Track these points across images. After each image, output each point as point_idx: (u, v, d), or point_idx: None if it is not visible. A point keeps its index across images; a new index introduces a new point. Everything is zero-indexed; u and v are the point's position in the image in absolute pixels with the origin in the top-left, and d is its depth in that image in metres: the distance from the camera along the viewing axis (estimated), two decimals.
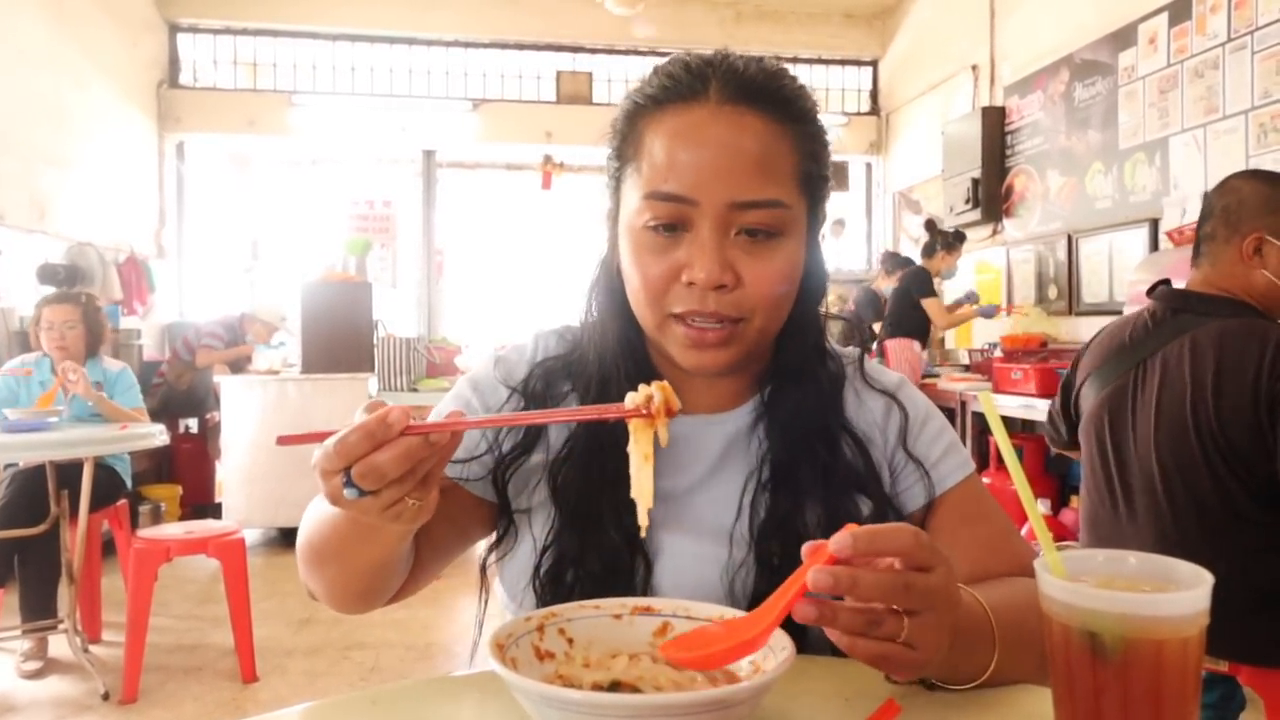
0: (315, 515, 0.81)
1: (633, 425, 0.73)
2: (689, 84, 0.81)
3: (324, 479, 0.64)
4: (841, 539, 0.58)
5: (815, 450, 0.89)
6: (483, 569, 0.95)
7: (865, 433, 0.92)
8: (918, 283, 4.97)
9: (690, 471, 0.90)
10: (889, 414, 0.93)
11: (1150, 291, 1.87)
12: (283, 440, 0.67)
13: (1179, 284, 1.85)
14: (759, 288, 0.81)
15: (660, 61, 0.87)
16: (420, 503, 0.67)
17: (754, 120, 0.80)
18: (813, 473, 0.87)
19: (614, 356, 0.91)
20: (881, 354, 4.80)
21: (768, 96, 0.82)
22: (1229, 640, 1.54)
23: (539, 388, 0.94)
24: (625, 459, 0.87)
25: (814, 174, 0.85)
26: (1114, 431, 1.79)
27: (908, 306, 4.96)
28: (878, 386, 0.95)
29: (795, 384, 0.91)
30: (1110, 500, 1.80)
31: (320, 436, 0.65)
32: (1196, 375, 1.64)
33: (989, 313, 5.18)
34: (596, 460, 0.88)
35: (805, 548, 0.61)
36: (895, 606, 0.59)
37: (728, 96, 0.80)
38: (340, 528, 0.75)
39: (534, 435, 0.92)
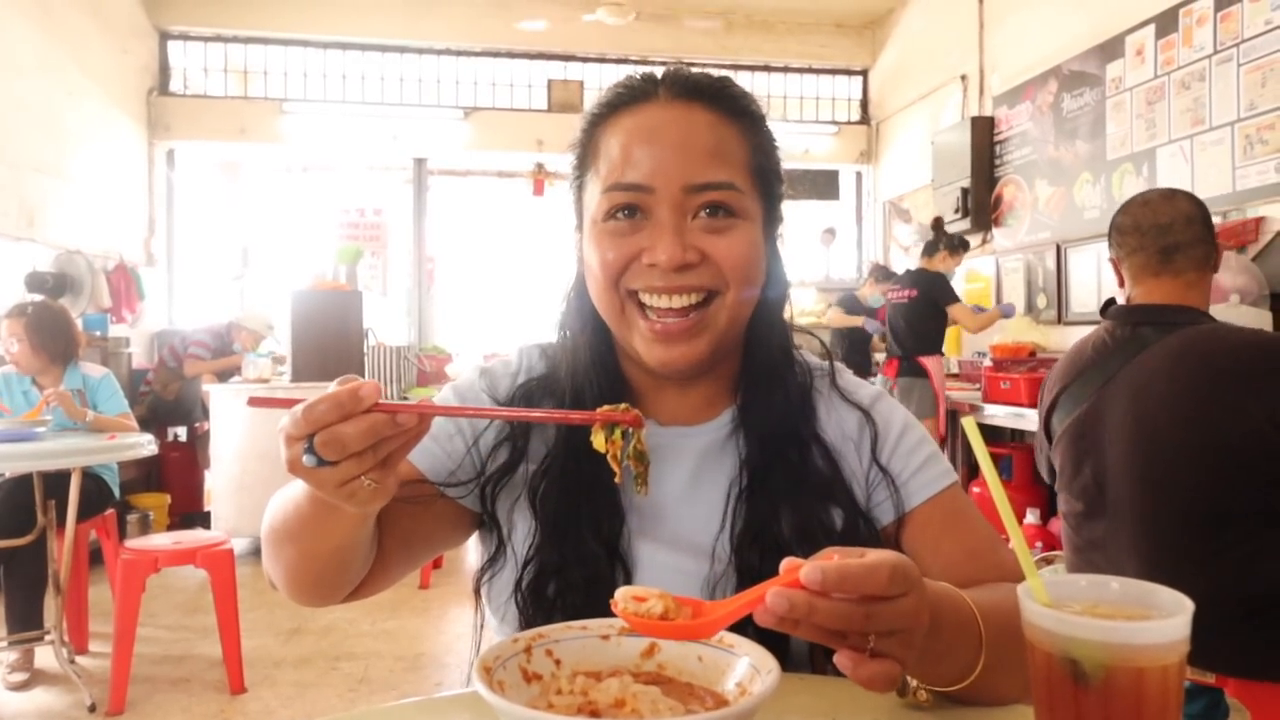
0: (279, 498, 0.82)
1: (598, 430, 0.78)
2: (640, 88, 0.87)
3: (287, 444, 0.64)
4: (812, 571, 0.57)
5: (786, 456, 0.90)
6: (476, 590, 0.95)
7: (837, 445, 0.92)
8: (942, 290, 4.74)
9: (665, 485, 0.91)
10: (862, 428, 0.93)
11: (1104, 310, 1.90)
12: (253, 401, 0.68)
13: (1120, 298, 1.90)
14: (725, 260, 0.83)
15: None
16: (376, 484, 0.67)
17: (703, 114, 0.85)
18: (786, 478, 0.88)
19: (586, 371, 0.92)
20: (922, 372, 4.62)
21: (715, 95, 0.86)
22: (1216, 651, 1.55)
23: (521, 405, 0.95)
24: (603, 469, 0.87)
25: (765, 167, 0.88)
26: (1089, 452, 1.80)
27: (933, 316, 4.75)
28: (852, 399, 0.95)
29: (766, 390, 0.92)
30: (1090, 522, 1.81)
31: (292, 402, 0.65)
32: (1181, 386, 1.65)
33: (1009, 311, 5.00)
34: (574, 471, 0.89)
35: (784, 564, 0.61)
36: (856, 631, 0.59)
37: (677, 94, 0.85)
38: (301, 507, 0.76)
39: (519, 452, 0.93)
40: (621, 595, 0.64)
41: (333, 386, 0.64)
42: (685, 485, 0.91)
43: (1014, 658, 0.59)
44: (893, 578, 0.58)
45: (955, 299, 4.79)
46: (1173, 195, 1.84)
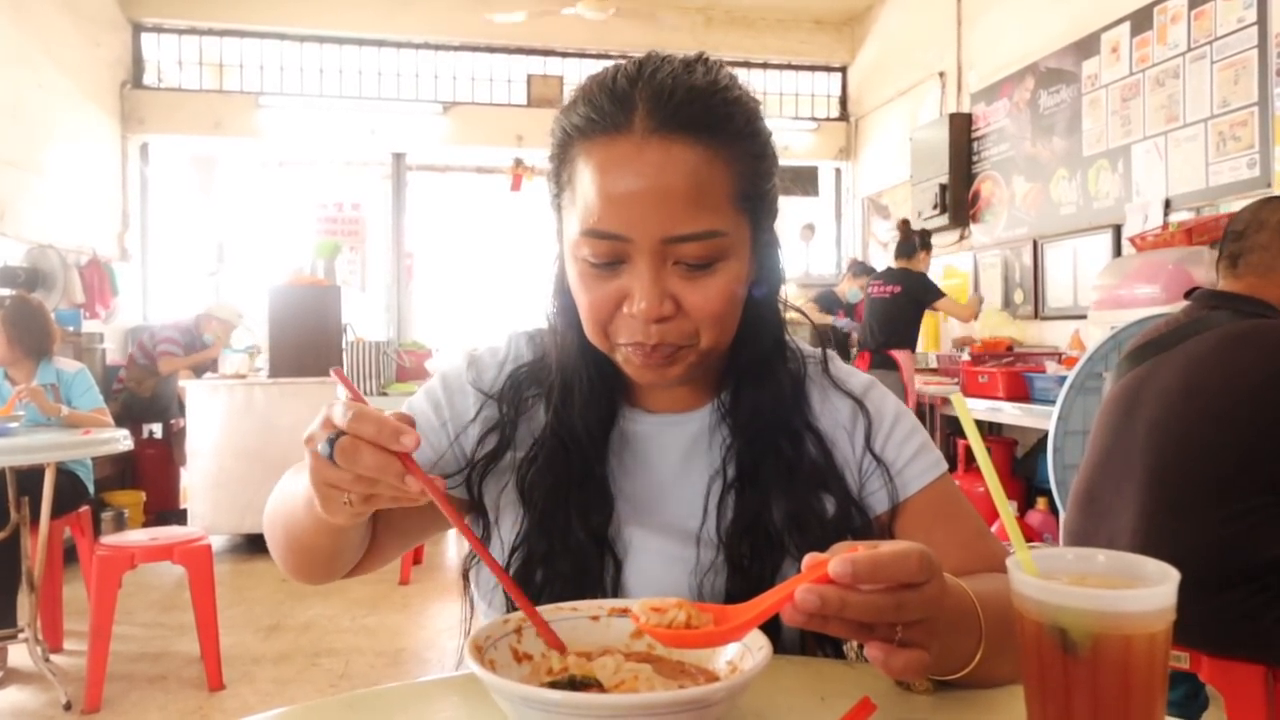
0: (285, 482, 0.87)
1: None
2: (613, 115, 0.79)
3: (325, 424, 0.68)
4: (842, 565, 0.57)
5: (779, 446, 0.89)
6: (465, 575, 0.95)
7: (830, 433, 0.92)
8: (927, 289, 4.93)
9: (654, 471, 0.91)
10: (856, 417, 0.93)
11: (1188, 295, 1.99)
12: (336, 372, 0.76)
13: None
14: (700, 312, 0.81)
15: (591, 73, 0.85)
16: (353, 507, 0.70)
17: (682, 150, 0.77)
18: (777, 469, 0.88)
19: (575, 364, 0.91)
20: (894, 365, 4.78)
21: (696, 121, 0.78)
22: (1194, 621, 1.56)
23: (509, 395, 0.95)
24: (591, 459, 0.89)
25: (752, 192, 0.83)
26: (1135, 406, 1.83)
27: (913, 313, 4.94)
28: (844, 388, 0.95)
29: (756, 382, 0.91)
30: (1106, 476, 1.84)
31: (360, 396, 0.71)
32: (1238, 364, 1.69)
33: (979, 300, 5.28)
34: (563, 459, 0.89)
35: (806, 560, 0.60)
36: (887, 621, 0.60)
37: (654, 126, 0.77)
38: (297, 505, 0.81)
39: (506, 440, 0.93)
40: (640, 609, 0.64)
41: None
42: (672, 472, 0.91)
43: (1009, 644, 0.60)
44: (921, 564, 0.58)
45: (942, 294, 5.01)
46: (1266, 201, 1.92)
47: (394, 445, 0.65)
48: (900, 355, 4.81)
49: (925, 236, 5.12)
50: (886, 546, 0.59)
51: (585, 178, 0.80)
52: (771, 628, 0.65)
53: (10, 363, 3.43)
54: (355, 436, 0.65)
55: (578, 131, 0.81)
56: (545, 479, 0.89)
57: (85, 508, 3.51)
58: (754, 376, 0.91)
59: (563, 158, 0.84)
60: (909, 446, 0.92)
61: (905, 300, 4.90)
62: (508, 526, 0.90)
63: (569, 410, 0.90)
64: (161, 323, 6.00)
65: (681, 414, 0.93)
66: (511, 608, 0.86)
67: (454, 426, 0.94)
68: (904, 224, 5.36)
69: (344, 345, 5.21)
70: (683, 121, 0.78)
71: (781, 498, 0.87)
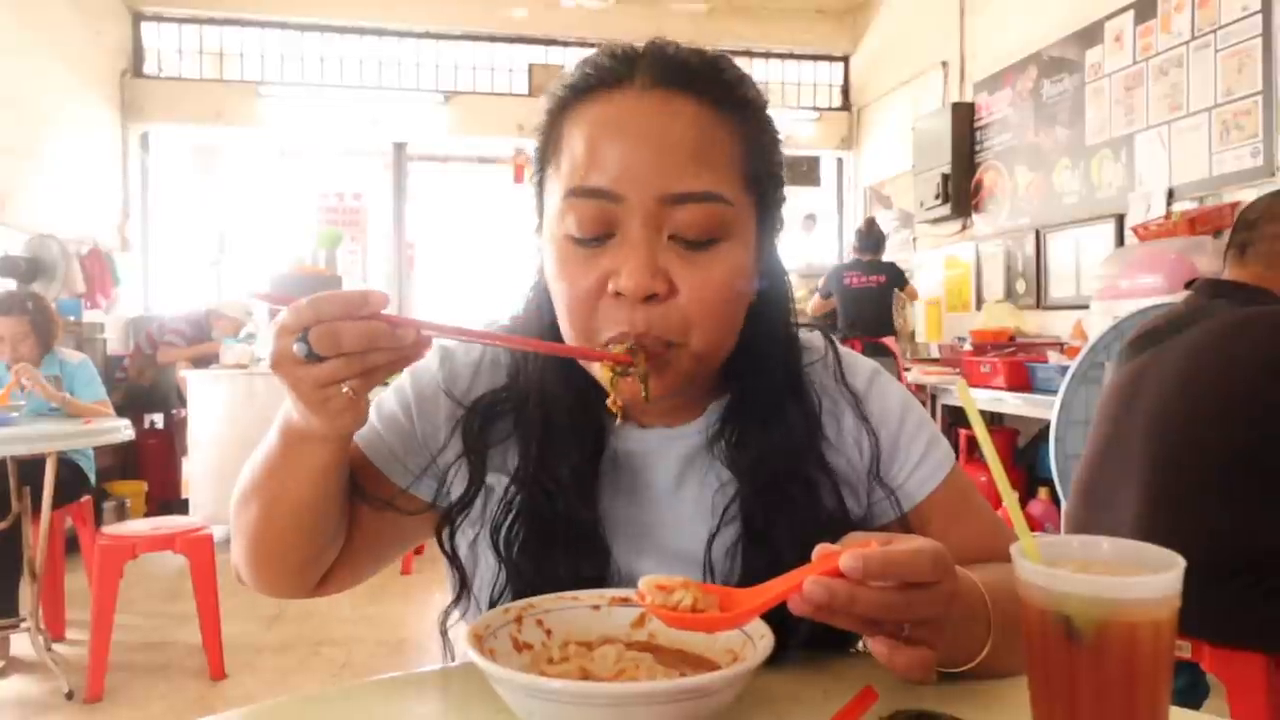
0: (247, 464, 0.79)
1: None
2: (613, 69, 0.73)
3: (279, 336, 0.63)
4: (854, 560, 0.55)
5: (791, 496, 0.80)
6: (443, 633, 0.85)
7: (835, 440, 0.85)
8: (902, 276, 5.28)
9: (650, 492, 0.84)
10: (862, 422, 0.87)
11: (1189, 285, 1.98)
12: (260, 295, 0.68)
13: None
14: (696, 299, 0.71)
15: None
16: (354, 394, 0.65)
17: (686, 104, 0.71)
18: (789, 522, 0.79)
19: (555, 377, 0.82)
20: (888, 352, 5.01)
21: (702, 80, 0.72)
22: (1192, 612, 1.55)
23: (473, 436, 0.85)
24: (576, 505, 0.79)
25: (760, 171, 0.76)
26: (1136, 396, 1.82)
27: (891, 301, 5.31)
28: (851, 389, 0.88)
29: (761, 421, 0.81)
30: (1107, 466, 1.83)
31: (293, 300, 0.65)
32: (1238, 351, 1.68)
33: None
34: (546, 509, 0.79)
35: (817, 550, 0.60)
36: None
37: (656, 80, 0.71)
38: (270, 447, 0.74)
39: (478, 482, 0.83)
40: (646, 586, 0.63)
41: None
42: (667, 492, 0.84)
43: (1017, 636, 0.59)
44: (934, 564, 0.58)
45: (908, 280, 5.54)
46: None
47: (365, 310, 0.62)
48: (891, 343, 5.09)
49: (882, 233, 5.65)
50: (900, 543, 0.59)
51: (576, 136, 0.73)
52: (784, 626, 0.64)
53: (24, 358, 3.43)
54: (325, 322, 0.62)
55: (571, 91, 0.76)
56: (524, 528, 0.79)
57: (87, 497, 3.51)
58: (758, 410, 0.82)
59: (549, 130, 0.77)
60: (918, 446, 0.86)
61: (887, 289, 5.27)
62: (485, 580, 0.82)
63: (549, 447, 0.81)
64: (173, 314, 6.00)
65: (673, 429, 0.85)
66: None
67: (423, 432, 0.86)
68: (870, 220, 5.80)
69: None
70: (688, 79, 0.73)
71: (795, 546, 0.81)
